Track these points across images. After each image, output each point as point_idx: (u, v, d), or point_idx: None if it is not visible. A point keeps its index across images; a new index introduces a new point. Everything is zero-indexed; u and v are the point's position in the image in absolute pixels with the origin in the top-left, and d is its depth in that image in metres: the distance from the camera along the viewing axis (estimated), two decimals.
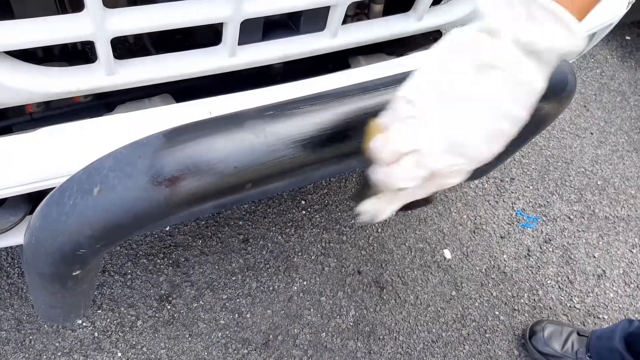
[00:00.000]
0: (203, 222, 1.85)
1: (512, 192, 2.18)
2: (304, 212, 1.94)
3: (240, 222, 1.87)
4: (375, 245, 1.89)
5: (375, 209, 0.60)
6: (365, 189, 0.61)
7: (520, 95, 0.49)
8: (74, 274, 0.64)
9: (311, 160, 0.64)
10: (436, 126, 0.49)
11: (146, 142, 0.57)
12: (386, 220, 1.97)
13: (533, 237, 2.05)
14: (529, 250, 2.00)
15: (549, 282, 1.92)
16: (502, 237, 2.02)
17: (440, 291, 1.81)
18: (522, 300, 1.85)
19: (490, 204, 2.12)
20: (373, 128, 0.57)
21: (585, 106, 2.66)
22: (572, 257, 2.01)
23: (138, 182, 0.55)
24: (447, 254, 1.92)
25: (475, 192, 2.15)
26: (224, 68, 0.94)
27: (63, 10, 0.87)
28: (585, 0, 0.49)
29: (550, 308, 1.85)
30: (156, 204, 0.56)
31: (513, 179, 2.24)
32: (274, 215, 1.91)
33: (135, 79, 0.88)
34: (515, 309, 1.82)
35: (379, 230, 1.94)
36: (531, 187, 2.22)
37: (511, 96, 0.48)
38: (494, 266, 1.92)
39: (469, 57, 0.49)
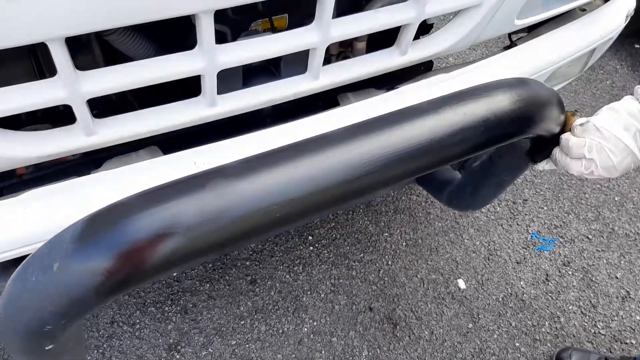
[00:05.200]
0: (210, 265, 1.83)
1: (526, 214, 2.12)
2: (311, 247, 1.91)
3: (247, 263, 1.84)
4: (386, 279, 1.84)
5: (544, 167, 0.94)
6: (543, 152, 0.92)
7: None
8: (46, 348, 0.62)
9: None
10: (605, 153, 0.81)
11: (105, 212, 0.56)
12: (396, 252, 1.92)
13: (551, 260, 1.97)
14: (547, 274, 1.93)
15: (570, 307, 1.84)
16: (518, 263, 1.95)
17: (456, 324, 1.75)
18: (544, 329, 1.77)
19: (503, 228, 2.06)
20: (570, 120, 0.88)
21: None
22: (594, 279, 1.93)
23: (98, 255, 0.54)
24: (462, 283, 1.86)
25: (487, 216, 2.09)
26: (205, 118, 0.93)
27: (42, 76, 0.87)
28: None
29: (574, 335, 1.77)
30: (119, 275, 0.54)
31: (526, 200, 2.18)
32: (281, 253, 1.88)
33: (116, 137, 0.88)
34: (536, 339, 1.74)
35: (389, 262, 1.89)
36: (545, 208, 2.16)
37: None
38: (511, 294, 1.85)
39: (636, 124, 0.82)
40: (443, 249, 1.96)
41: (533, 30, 1.53)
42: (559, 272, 1.94)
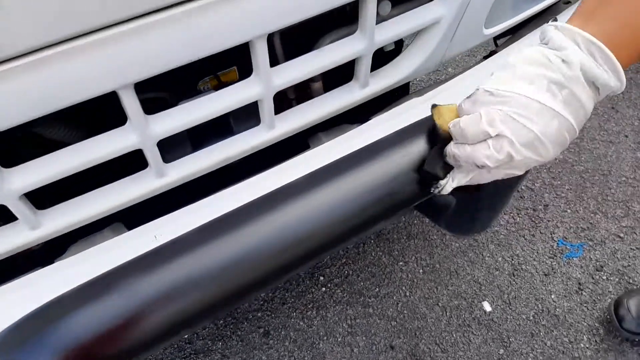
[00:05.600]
0: (221, 322, 1.77)
1: (549, 221, 1.99)
2: (323, 289, 1.83)
3: (259, 314, 1.77)
4: (405, 312, 1.74)
5: (452, 184, 0.67)
6: (436, 163, 0.67)
7: (579, 114, 0.58)
8: None
9: None
10: (515, 122, 0.57)
11: (13, 330, 0.50)
12: (413, 281, 1.82)
13: (582, 267, 1.83)
14: (579, 283, 1.79)
15: (609, 316, 1.69)
16: (546, 275, 1.82)
17: (485, 352, 1.63)
18: (582, 345, 1.63)
19: (526, 239, 1.93)
20: (446, 111, 0.65)
21: (613, 107, 2.45)
22: (631, 281, 1.78)
23: None
24: (487, 306, 1.74)
25: (507, 229, 1.97)
26: (157, 190, 0.87)
27: None
28: (630, 56, 0.57)
29: (617, 347, 1.62)
30: None
31: (547, 205, 2.04)
32: (292, 299, 1.80)
33: (63, 225, 0.83)
34: (575, 357, 1.60)
35: (407, 294, 1.79)
36: (569, 211, 2.02)
37: (574, 113, 0.58)
38: (542, 310, 1.72)
39: (544, 72, 0.57)
40: (463, 271, 1.84)
41: (517, 31, 1.44)
42: (592, 278, 1.80)
